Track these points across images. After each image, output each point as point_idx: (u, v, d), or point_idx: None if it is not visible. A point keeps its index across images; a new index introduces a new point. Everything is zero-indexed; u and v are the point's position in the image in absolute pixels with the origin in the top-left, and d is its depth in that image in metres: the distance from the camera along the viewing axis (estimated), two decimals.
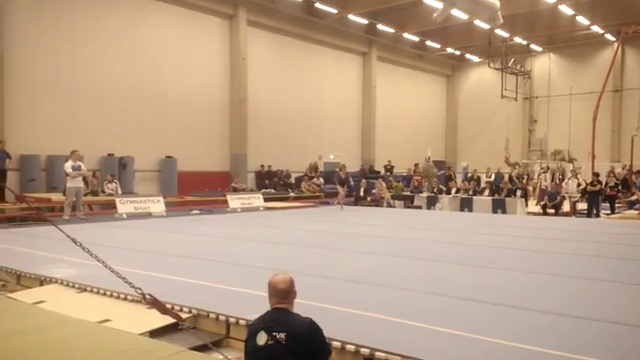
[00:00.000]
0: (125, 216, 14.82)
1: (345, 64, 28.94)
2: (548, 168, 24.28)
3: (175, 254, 8.53)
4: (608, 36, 27.92)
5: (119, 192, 17.34)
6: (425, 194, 21.21)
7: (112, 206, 15.56)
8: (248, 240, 10.52)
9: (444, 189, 21.73)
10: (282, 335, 2.91)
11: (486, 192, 20.23)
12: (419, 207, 20.36)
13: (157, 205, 16.01)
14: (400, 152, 29.69)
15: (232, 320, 4.88)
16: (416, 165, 26.02)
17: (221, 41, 22.88)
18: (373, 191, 21.45)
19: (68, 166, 13.66)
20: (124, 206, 15.27)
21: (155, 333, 4.74)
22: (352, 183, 22.29)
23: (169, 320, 4.57)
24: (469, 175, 24.87)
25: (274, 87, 24.84)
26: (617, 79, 28.54)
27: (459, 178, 25.88)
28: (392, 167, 27.88)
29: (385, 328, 4.61)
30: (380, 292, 6.01)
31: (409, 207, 20.49)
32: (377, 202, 20.54)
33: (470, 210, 19.02)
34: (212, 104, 22.53)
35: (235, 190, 20.79)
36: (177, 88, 21.08)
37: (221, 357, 4.13)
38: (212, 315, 5.04)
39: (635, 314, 5.13)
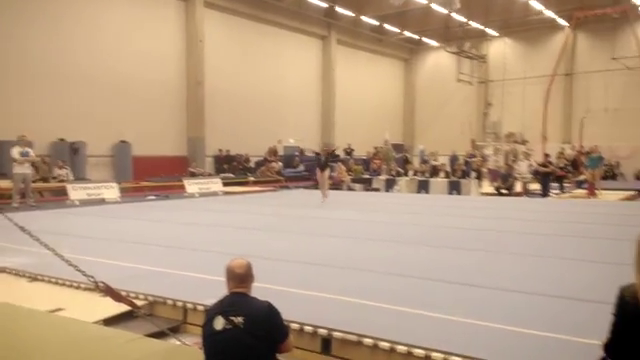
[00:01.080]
0: (77, 203, 14.42)
1: (305, 47, 28.76)
2: (498, 150, 24.98)
3: (130, 241, 8.35)
4: (560, 21, 28.63)
5: (71, 179, 16.80)
6: (384, 177, 21.46)
7: (64, 193, 15.09)
8: (206, 225, 10.41)
9: (402, 172, 22.06)
10: (240, 319, 2.90)
11: (441, 174, 20.66)
12: (377, 190, 20.62)
13: (111, 191, 15.62)
14: (359, 136, 29.85)
15: (189, 306, 4.82)
16: (376, 149, 26.27)
17: (177, 23, 22.32)
18: (333, 175, 21.54)
19: (15, 152, 13.14)
20: (76, 192, 14.85)
21: (110, 321, 4.64)
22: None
23: (124, 308, 4.48)
24: (431, 159, 25.26)
25: (232, 70, 24.46)
26: (568, 63, 29.39)
27: (416, 161, 26.30)
28: (352, 150, 28.05)
29: (345, 309, 4.65)
30: (340, 274, 6.06)
31: (368, 190, 20.71)
32: (337, 185, 20.65)
33: (427, 192, 19.40)
34: (168, 87, 22.01)
35: (193, 175, 20.48)
36: (132, 71, 20.48)
37: (178, 343, 4.08)
38: (169, 302, 4.97)
39: (593, 290, 5.33)
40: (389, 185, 20.61)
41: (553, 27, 29.48)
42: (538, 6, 26.90)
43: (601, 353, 2.51)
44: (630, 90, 26.00)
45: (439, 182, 19.72)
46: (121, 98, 20.13)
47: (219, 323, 2.91)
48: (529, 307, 4.72)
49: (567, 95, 29.90)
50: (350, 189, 20.55)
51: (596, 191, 17.29)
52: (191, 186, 17.98)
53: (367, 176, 22.44)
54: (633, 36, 21.82)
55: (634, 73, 23.81)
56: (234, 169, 23.33)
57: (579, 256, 7.10)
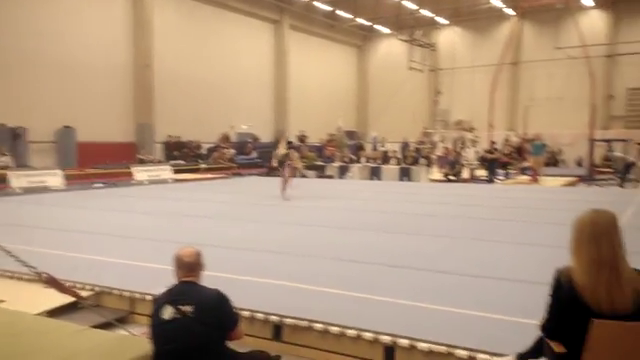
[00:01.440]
0: (19, 191, 13.83)
1: (257, 32, 28.39)
2: (445, 137, 25.63)
3: (75, 230, 8.09)
4: (508, 10, 29.37)
5: (12, 165, 16.08)
6: (337, 164, 21.60)
7: (4, 180, 14.44)
8: (154, 213, 10.19)
9: (355, 159, 22.26)
10: (189, 308, 2.87)
11: (393, 161, 20.99)
12: (331, 176, 20.74)
13: (55, 178, 15.08)
14: (313, 122, 29.85)
15: (137, 296, 4.73)
16: (331, 135, 26.36)
17: (125, 5, 21.57)
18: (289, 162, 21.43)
19: None
20: (18, 180, 14.25)
21: (53, 313, 4.50)
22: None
23: (69, 299, 4.36)
24: (379, 145, 25.57)
25: (183, 54, 23.90)
26: (515, 52, 30.23)
27: (369, 147, 26.57)
28: (305, 137, 28.04)
29: (296, 296, 4.68)
30: (292, 261, 6.08)
31: (321, 177, 20.80)
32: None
33: (379, 178, 19.68)
34: (115, 71, 21.30)
35: (142, 162, 19.99)
36: (76, 53, 19.69)
37: (126, 333, 4.00)
38: (115, 292, 4.86)
39: (533, 272, 5.56)
40: (342, 172, 20.77)
41: (501, 17, 30.22)
42: None
43: (539, 333, 2.64)
44: (572, 79, 27.05)
45: (390, 169, 20.03)
46: (65, 82, 19.35)
47: (168, 312, 2.89)
48: (474, 290, 4.88)
49: (513, 84, 30.82)
50: (303, 176, 20.55)
51: (539, 177, 17.99)
52: (140, 173, 17.55)
53: (321, 163, 22.52)
54: (575, 26, 22.64)
55: (576, 63, 24.75)
56: (185, 156, 22.91)
57: (521, 240, 7.39)
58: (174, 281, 3.07)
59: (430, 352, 3.57)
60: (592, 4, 27.55)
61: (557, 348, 2.43)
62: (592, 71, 21.84)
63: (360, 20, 32.13)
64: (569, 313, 2.38)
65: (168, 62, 22.99)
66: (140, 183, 16.87)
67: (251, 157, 24.94)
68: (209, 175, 20.28)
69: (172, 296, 2.96)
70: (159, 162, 20.81)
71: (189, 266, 3.05)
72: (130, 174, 17.44)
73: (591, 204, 2.90)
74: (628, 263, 2.39)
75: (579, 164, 24.65)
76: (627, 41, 27.27)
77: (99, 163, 18.95)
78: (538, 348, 2.72)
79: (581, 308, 2.33)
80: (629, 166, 18.69)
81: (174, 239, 6.72)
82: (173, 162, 20.98)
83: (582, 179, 19.13)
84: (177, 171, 19.49)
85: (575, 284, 2.37)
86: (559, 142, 26.39)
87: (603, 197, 13.00)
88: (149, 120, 22.22)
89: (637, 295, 2.33)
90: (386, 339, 3.72)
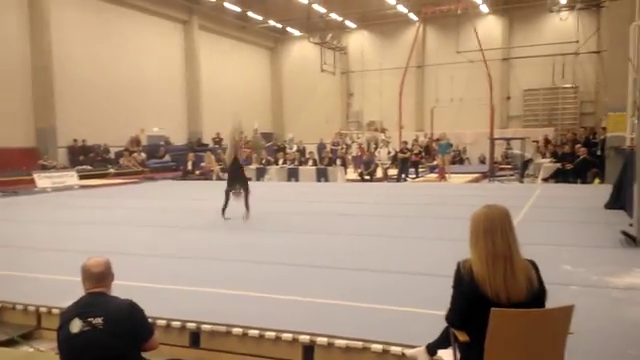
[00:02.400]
0: None
1: (166, 32, 27.56)
2: (358, 138, 26.35)
3: None
4: (412, 15, 30.57)
5: None
6: (254, 166, 21.48)
7: None
8: (59, 223, 9.63)
9: (272, 160, 22.24)
10: (99, 320, 2.77)
11: (310, 162, 21.22)
12: (249, 179, 20.53)
13: None
14: (228, 124, 29.16)
15: (43, 310, 4.48)
16: (246, 137, 26.13)
17: (20, 3, 20.17)
18: (202, 164, 21.05)
19: None
20: None
21: None
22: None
23: None
24: (288, 146, 25.74)
25: (87, 54, 22.69)
26: (420, 56, 31.58)
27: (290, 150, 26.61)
28: (221, 139, 27.62)
29: (212, 301, 4.62)
30: (205, 266, 5.99)
31: None
32: (206, 175, 20.23)
33: (297, 180, 19.79)
34: (10, 72, 19.82)
35: (44, 168, 18.79)
36: None
37: (31, 350, 3.78)
38: (19, 306, 4.57)
39: (439, 266, 5.84)
40: (260, 174, 20.68)
41: (406, 22, 31.39)
42: (391, 1, 28.44)
43: (445, 323, 2.81)
44: (473, 81, 28.65)
45: (308, 170, 20.21)
46: None
47: (76, 326, 2.77)
48: (390, 285, 5.07)
49: (419, 86, 32.20)
50: (220, 179, 20.23)
51: (446, 175, 18.93)
52: (42, 180, 16.52)
53: None
54: (474, 31, 24.02)
55: (476, 66, 26.26)
56: (92, 161, 21.79)
57: (433, 235, 7.74)
58: (82, 293, 2.95)
59: (347, 348, 3.67)
60: (488, 10, 29.39)
61: (461, 337, 2.60)
62: (490, 74, 23.27)
63: (271, 22, 32.16)
64: (471, 303, 2.55)
65: (71, 63, 21.76)
66: (43, 190, 15.88)
67: (164, 161, 24.19)
68: (118, 180, 19.44)
69: (80, 308, 2.85)
70: (63, 168, 19.65)
71: (97, 276, 2.94)
72: (32, 181, 16.36)
73: (493, 199, 3.12)
74: (521, 254, 2.60)
75: (482, 162, 26.14)
76: (521, 45, 29.40)
77: None
78: (446, 338, 2.89)
79: (481, 298, 2.50)
80: (527, 163, 20.14)
81: (80, 248, 6.40)
82: (79, 168, 19.89)
83: (485, 176, 20.34)
84: (84, 177, 18.52)
85: (475, 276, 2.54)
86: (463, 141, 27.86)
87: (504, 192, 13.89)
88: (51, 124, 20.88)
89: (530, 284, 2.54)
90: (305, 338, 3.78)
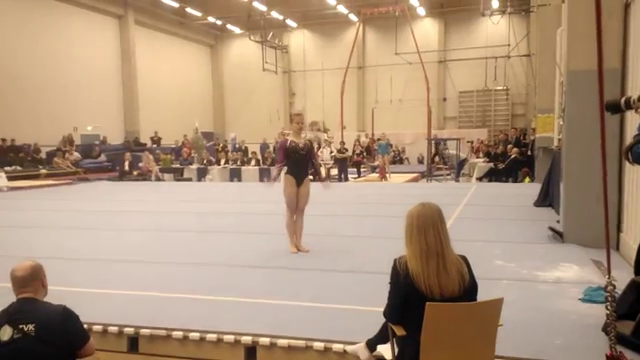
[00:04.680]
0: None
1: (99, 27, 26.56)
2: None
3: None
4: (352, 16, 30.91)
5: None
6: (195, 166, 21.12)
7: None
8: None
9: (214, 160, 21.92)
10: (31, 326, 2.67)
11: (252, 162, 21.08)
12: (189, 179, 20.19)
13: None
14: (167, 123, 28.74)
15: None
16: (185, 137, 25.64)
17: None
18: (140, 164, 20.46)
19: None
20: None
21: None
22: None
23: None
24: (237, 146, 25.47)
25: (12, 50, 21.52)
26: (360, 56, 32.03)
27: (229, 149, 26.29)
28: (159, 139, 26.95)
29: (148, 304, 4.53)
30: (142, 269, 5.85)
31: (179, 180, 20.17)
32: (145, 176, 19.69)
33: (239, 180, 19.61)
34: None
35: None
36: None
37: None
38: None
39: (378, 263, 5.95)
40: (201, 174, 20.34)
41: (346, 22, 31.70)
42: (332, 1, 28.65)
43: (383, 319, 2.89)
44: (411, 83, 29.38)
45: (250, 170, 20.07)
46: None
47: (6, 333, 2.66)
48: (332, 284, 5.14)
49: (360, 87, 32.62)
50: (159, 179, 19.77)
51: (386, 174, 19.32)
52: None
53: (178, 165, 21.83)
54: (411, 34, 24.59)
55: (413, 67, 26.92)
56: (21, 161, 20.71)
57: (375, 234, 7.86)
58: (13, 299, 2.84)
59: (289, 347, 3.70)
60: (424, 13, 30.18)
61: (398, 331, 2.69)
62: (427, 75, 23.93)
63: (211, 19, 31.65)
64: (406, 299, 2.65)
65: None
66: None
67: (99, 161, 23.33)
68: (50, 181, 18.57)
69: (10, 315, 2.73)
70: None
71: (22, 281, 2.83)
72: None
73: (431, 197, 3.23)
74: (453, 250, 2.72)
75: (420, 161, 26.85)
76: (456, 48, 30.38)
77: None
78: (385, 333, 2.98)
79: (416, 293, 2.60)
80: (462, 162, 20.88)
81: (7, 253, 6.10)
82: (7, 168, 18.85)
83: (423, 175, 20.92)
84: (13, 178, 17.57)
85: (410, 272, 2.64)
86: (402, 141, 28.49)
87: (441, 191, 14.35)
88: None
89: (462, 278, 2.66)
90: (247, 340, 3.77)
